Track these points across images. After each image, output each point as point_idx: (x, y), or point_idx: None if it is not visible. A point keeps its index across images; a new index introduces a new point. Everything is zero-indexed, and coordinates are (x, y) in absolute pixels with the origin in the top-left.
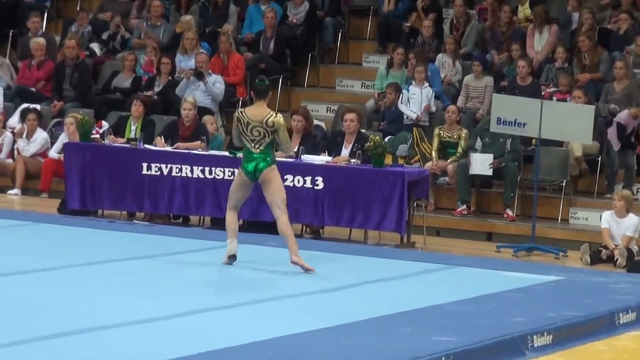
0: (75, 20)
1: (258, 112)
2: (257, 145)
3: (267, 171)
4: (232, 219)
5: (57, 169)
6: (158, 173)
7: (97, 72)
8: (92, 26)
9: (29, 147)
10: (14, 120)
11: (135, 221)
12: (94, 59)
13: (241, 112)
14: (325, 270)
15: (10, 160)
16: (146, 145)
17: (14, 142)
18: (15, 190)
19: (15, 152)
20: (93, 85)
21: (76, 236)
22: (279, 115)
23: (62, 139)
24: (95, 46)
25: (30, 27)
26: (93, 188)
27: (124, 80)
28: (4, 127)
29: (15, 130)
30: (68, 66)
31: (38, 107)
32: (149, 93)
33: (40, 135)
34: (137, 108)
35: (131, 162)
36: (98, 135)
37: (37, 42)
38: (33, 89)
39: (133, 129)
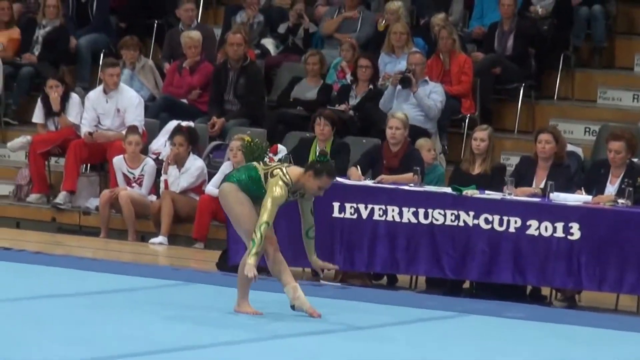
0: (241, 7)
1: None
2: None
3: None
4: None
5: (217, 209)
6: (354, 216)
7: (271, 78)
8: (264, 16)
9: (179, 180)
10: (159, 143)
11: (323, 282)
12: (267, 60)
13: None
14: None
15: (153, 198)
16: (338, 179)
17: (159, 172)
18: (160, 239)
19: (161, 186)
20: (265, 96)
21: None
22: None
23: (224, 169)
24: (268, 42)
25: (181, 17)
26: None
27: (307, 90)
28: (146, 152)
29: (161, 157)
30: (231, 70)
31: (191, 125)
32: (342, 107)
33: (194, 164)
34: (323, 127)
35: (318, 201)
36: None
37: (191, 36)
38: (184, 101)
39: None
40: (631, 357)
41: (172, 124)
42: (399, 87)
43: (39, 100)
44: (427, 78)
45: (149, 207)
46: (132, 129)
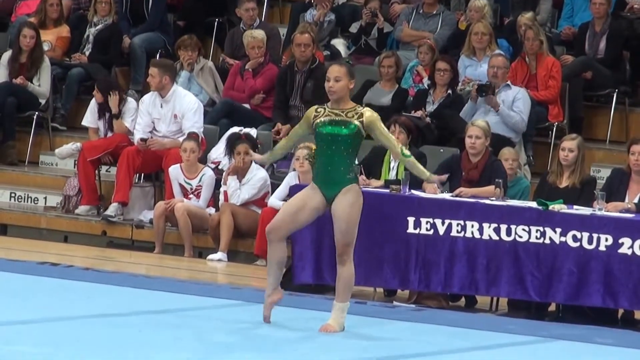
0: (311, 5)
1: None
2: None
3: (345, 190)
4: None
5: None
6: (431, 232)
7: None
8: (335, 14)
9: (239, 192)
10: (219, 152)
11: (396, 303)
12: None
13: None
14: None
15: (212, 210)
16: (413, 191)
17: (218, 183)
18: (220, 255)
19: (220, 198)
20: None
21: (308, 325)
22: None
23: (289, 180)
24: (339, 43)
25: (242, 17)
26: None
27: (381, 95)
28: (204, 161)
29: (221, 166)
30: (298, 72)
31: (253, 132)
32: (418, 114)
33: (257, 175)
34: (397, 135)
35: (391, 216)
36: None
37: (254, 36)
38: (246, 106)
39: (393, 166)
40: None
41: (233, 131)
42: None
43: (92, 102)
44: (509, 82)
45: (207, 221)
46: (190, 136)
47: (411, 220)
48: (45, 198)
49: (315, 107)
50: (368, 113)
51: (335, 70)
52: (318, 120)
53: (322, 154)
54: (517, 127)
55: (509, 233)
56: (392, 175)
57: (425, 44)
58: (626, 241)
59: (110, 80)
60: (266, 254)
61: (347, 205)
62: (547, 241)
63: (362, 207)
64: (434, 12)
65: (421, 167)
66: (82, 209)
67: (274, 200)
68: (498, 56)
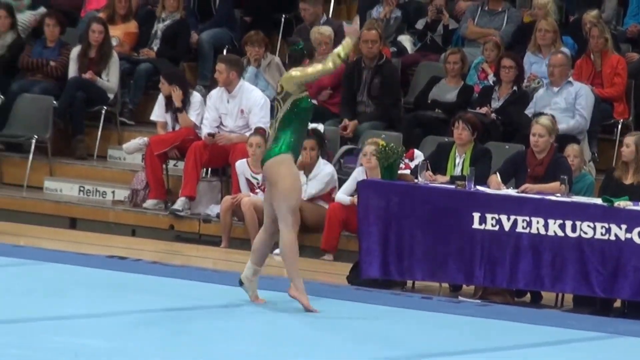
0: (377, 1)
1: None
2: (272, 128)
3: (270, 163)
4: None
5: (347, 219)
6: (496, 228)
7: (408, 77)
8: (402, 11)
9: (306, 187)
10: None
11: (461, 298)
12: (404, 58)
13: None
14: None
15: None
16: (479, 187)
17: None
18: None
19: None
20: (401, 97)
21: (374, 318)
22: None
23: (356, 175)
24: (405, 40)
25: (302, 13)
26: (400, 248)
27: (447, 91)
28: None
29: None
30: (365, 68)
31: (321, 127)
32: (484, 110)
33: (324, 170)
34: (461, 131)
35: (456, 211)
36: (408, 171)
37: (321, 32)
38: (314, 101)
39: (459, 162)
40: None
41: None
42: (541, 90)
43: (159, 96)
44: (571, 79)
45: None
46: (257, 131)
47: (476, 216)
48: (114, 192)
49: None
50: (285, 79)
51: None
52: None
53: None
54: (580, 127)
55: (574, 229)
56: (457, 171)
57: (490, 40)
58: None
59: (176, 71)
60: (334, 249)
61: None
62: (612, 237)
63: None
64: (500, 10)
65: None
66: (149, 203)
67: (341, 196)
68: (557, 54)
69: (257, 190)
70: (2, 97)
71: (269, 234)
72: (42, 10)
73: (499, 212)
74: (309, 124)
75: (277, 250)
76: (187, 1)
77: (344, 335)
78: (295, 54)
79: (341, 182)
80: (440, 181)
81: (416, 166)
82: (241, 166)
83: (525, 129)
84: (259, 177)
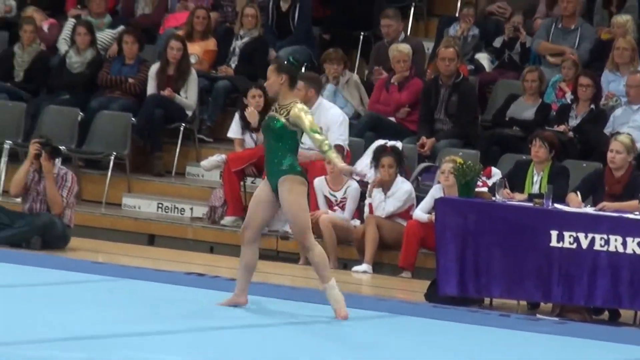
0: (455, 19)
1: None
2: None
3: (280, 182)
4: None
5: (425, 236)
6: (574, 246)
7: (486, 95)
8: (479, 28)
9: (384, 204)
10: (364, 164)
11: (539, 315)
12: (481, 75)
13: (274, 107)
14: None
15: (356, 222)
16: (556, 205)
17: (363, 195)
18: (365, 266)
19: (365, 210)
20: (479, 115)
21: (452, 336)
22: (300, 104)
23: (434, 192)
24: (483, 57)
25: (384, 30)
26: (477, 265)
27: (524, 109)
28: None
29: (366, 179)
30: (443, 86)
31: (399, 145)
32: (561, 128)
33: (402, 187)
34: (538, 149)
35: (534, 229)
36: (486, 189)
37: (399, 50)
38: (392, 119)
39: (536, 179)
40: None
41: (378, 143)
42: (619, 108)
43: (236, 114)
44: None
45: (351, 233)
46: (335, 149)
47: (554, 233)
48: (192, 209)
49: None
50: (295, 109)
51: (268, 71)
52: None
53: (265, 146)
54: None
55: None
56: (535, 189)
57: (568, 59)
58: None
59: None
60: (412, 266)
61: (285, 195)
62: None
63: (305, 193)
64: (573, 27)
65: (337, 159)
66: (227, 219)
67: (419, 213)
68: (635, 73)
69: (336, 208)
70: (81, 113)
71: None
72: (121, 28)
73: (577, 230)
74: (388, 141)
75: (356, 268)
76: (266, 18)
77: (422, 352)
78: (294, 69)
79: (419, 199)
80: (518, 199)
81: (494, 184)
82: (319, 183)
83: (602, 147)
84: (338, 194)
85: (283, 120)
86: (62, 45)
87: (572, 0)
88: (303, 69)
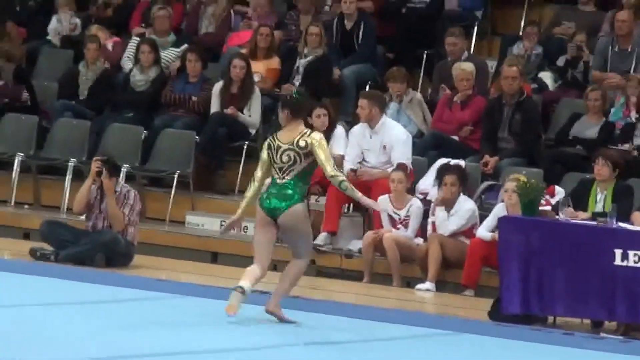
0: (519, 38)
1: (291, 133)
2: (283, 174)
3: (290, 212)
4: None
5: (488, 254)
6: (638, 264)
7: (549, 114)
8: (543, 47)
9: (447, 223)
10: (427, 183)
11: (603, 334)
12: (545, 94)
13: (273, 136)
14: None
15: (419, 241)
16: (620, 224)
17: (426, 214)
18: (427, 284)
19: (428, 228)
20: (542, 134)
21: (515, 354)
22: (315, 132)
23: (497, 211)
24: (546, 76)
25: (449, 48)
26: (541, 284)
27: (588, 127)
28: (412, 191)
29: (429, 197)
30: (506, 105)
31: (462, 163)
32: (625, 147)
33: (465, 206)
34: (601, 168)
35: (598, 248)
36: (549, 207)
37: (463, 69)
38: (455, 138)
39: (600, 198)
40: None
41: (441, 162)
42: None
43: None
44: None
45: (415, 251)
46: (398, 167)
47: (618, 252)
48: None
49: (269, 138)
50: (314, 140)
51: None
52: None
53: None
54: None
55: None
56: (599, 207)
57: (633, 78)
58: None
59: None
60: (475, 284)
61: (300, 226)
62: None
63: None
64: (629, 49)
65: (354, 191)
66: None
67: (482, 231)
68: None
69: (399, 226)
70: (145, 131)
71: (263, 269)
72: (185, 47)
73: None
74: (451, 159)
75: (419, 286)
76: (330, 37)
77: None
78: (296, 102)
79: (482, 218)
80: (581, 218)
81: (557, 202)
82: (383, 201)
83: None
84: (401, 212)
85: (297, 149)
86: (126, 64)
87: (628, 20)
88: (367, 87)
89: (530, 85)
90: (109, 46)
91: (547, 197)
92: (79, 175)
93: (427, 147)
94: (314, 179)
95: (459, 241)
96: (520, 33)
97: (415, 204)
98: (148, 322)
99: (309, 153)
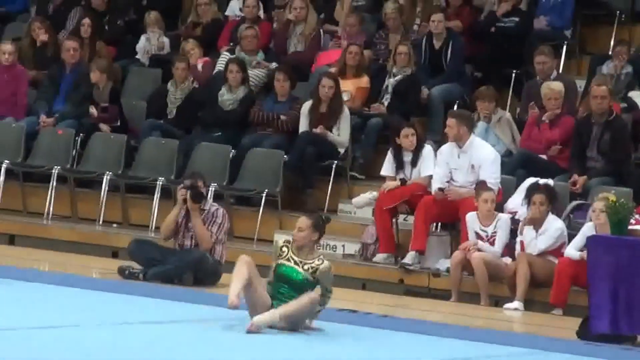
0: (608, 57)
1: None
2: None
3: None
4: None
5: (577, 274)
6: None
7: (639, 133)
8: (633, 66)
9: (536, 242)
10: (515, 202)
11: None
12: (634, 113)
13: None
14: None
15: (508, 260)
16: None
17: (514, 233)
18: (516, 304)
19: (517, 247)
20: (632, 153)
21: None
22: (328, 263)
23: (586, 230)
24: (636, 95)
25: (539, 67)
26: (630, 303)
27: None
28: (501, 210)
29: (517, 216)
30: (595, 124)
31: (550, 182)
32: None
33: (553, 225)
34: None
35: None
36: (639, 227)
37: (551, 87)
38: (543, 156)
39: None
40: None
41: (530, 181)
42: None
43: (389, 152)
44: None
45: (503, 270)
46: (487, 186)
47: None
48: (344, 246)
49: (284, 242)
50: (324, 269)
51: (301, 221)
52: (280, 260)
53: (275, 287)
54: None
55: None
56: None
57: None
58: None
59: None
60: (563, 303)
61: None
62: None
63: None
64: None
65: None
66: (379, 256)
67: (570, 251)
68: None
69: (486, 244)
70: (233, 151)
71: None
72: (273, 65)
73: None
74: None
75: (507, 305)
76: (419, 56)
77: None
78: (324, 228)
79: (570, 237)
80: None
81: None
82: (471, 219)
83: None
84: (488, 229)
85: (307, 274)
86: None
87: None
88: (455, 107)
89: (620, 105)
90: (199, 67)
91: (637, 216)
92: (167, 194)
93: (516, 166)
94: (400, 198)
95: (548, 260)
96: (610, 52)
97: (502, 218)
98: (244, 340)
99: (316, 280)
